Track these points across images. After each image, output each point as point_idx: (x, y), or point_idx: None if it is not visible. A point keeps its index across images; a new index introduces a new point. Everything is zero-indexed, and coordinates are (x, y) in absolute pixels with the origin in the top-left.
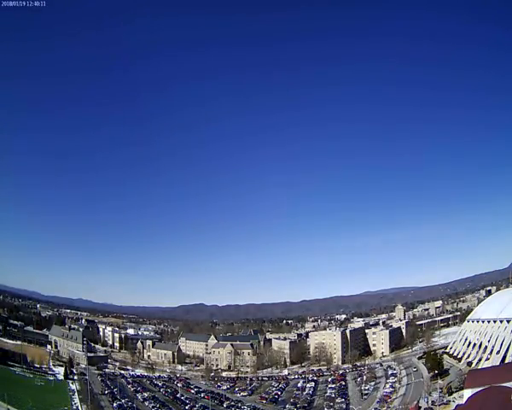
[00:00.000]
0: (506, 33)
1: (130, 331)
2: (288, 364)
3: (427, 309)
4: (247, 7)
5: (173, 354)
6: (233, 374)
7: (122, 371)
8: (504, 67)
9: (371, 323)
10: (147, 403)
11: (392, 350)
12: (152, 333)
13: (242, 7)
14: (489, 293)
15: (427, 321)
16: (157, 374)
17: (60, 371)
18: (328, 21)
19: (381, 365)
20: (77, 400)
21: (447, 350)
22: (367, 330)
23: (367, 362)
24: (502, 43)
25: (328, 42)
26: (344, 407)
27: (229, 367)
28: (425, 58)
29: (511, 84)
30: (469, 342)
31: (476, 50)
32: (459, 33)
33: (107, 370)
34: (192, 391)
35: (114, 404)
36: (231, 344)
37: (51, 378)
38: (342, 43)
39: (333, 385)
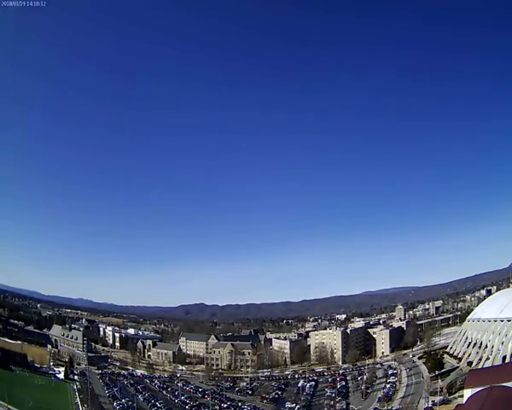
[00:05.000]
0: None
1: (131, 331)
2: (288, 364)
3: (428, 309)
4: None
5: (174, 354)
6: (233, 374)
7: (122, 371)
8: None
9: (372, 323)
10: (147, 403)
11: (392, 350)
12: (152, 333)
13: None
14: (489, 293)
15: (427, 321)
16: (157, 374)
17: (60, 370)
18: (329, 29)
19: (382, 365)
20: (77, 400)
21: (447, 350)
22: (369, 330)
23: (367, 362)
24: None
25: (328, 50)
26: (344, 406)
27: (230, 367)
28: (427, 69)
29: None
30: (470, 342)
31: (477, 59)
32: (462, 43)
33: (107, 370)
34: (192, 391)
35: (115, 404)
36: (232, 344)
37: (52, 378)
38: (341, 52)
39: (333, 385)
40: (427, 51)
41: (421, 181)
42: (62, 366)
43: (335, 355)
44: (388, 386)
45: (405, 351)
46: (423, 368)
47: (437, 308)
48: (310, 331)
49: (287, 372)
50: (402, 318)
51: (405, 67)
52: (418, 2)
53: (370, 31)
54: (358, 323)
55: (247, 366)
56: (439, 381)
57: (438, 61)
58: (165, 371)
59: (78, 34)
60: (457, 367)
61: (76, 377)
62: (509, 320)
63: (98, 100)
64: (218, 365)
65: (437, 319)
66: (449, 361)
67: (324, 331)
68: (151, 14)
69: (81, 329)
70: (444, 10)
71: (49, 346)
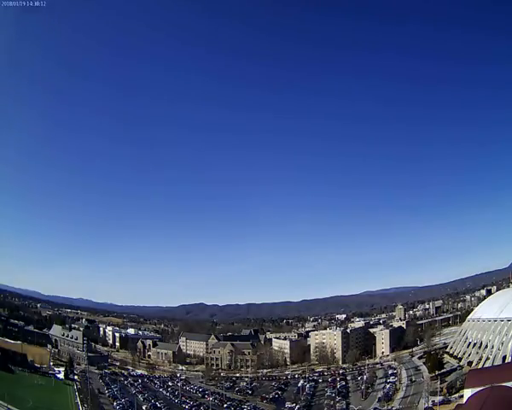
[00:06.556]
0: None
1: (131, 331)
2: (288, 364)
3: (428, 309)
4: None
5: (173, 354)
6: (233, 374)
7: (122, 371)
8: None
9: (372, 322)
10: (147, 403)
11: (392, 350)
12: (152, 333)
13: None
14: (489, 293)
15: (427, 321)
16: (157, 374)
17: (60, 370)
18: (327, 31)
19: (382, 365)
20: (77, 400)
21: (448, 350)
22: (369, 330)
23: (367, 362)
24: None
25: (326, 53)
26: (344, 406)
27: (230, 367)
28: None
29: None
30: (470, 342)
31: (476, 66)
32: (459, 49)
33: (107, 370)
34: (192, 391)
35: (114, 404)
36: (232, 344)
37: (52, 378)
38: (337, 56)
39: (333, 385)
40: (432, 59)
41: (421, 183)
42: (62, 366)
43: (335, 355)
44: (388, 386)
45: (405, 351)
46: (423, 368)
47: (437, 308)
48: (310, 331)
49: (287, 372)
50: (402, 318)
51: (414, 74)
52: (422, 11)
53: (373, 36)
54: (358, 323)
55: (247, 366)
56: (439, 381)
57: (443, 67)
58: (165, 371)
59: (79, 31)
60: (457, 367)
61: (76, 377)
62: (509, 320)
63: (103, 88)
64: (218, 365)
65: (437, 319)
66: (449, 361)
67: (324, 331)
68: (164, 11)
69: (81, 329)
70: (446, 17)
71: (49, 346)
